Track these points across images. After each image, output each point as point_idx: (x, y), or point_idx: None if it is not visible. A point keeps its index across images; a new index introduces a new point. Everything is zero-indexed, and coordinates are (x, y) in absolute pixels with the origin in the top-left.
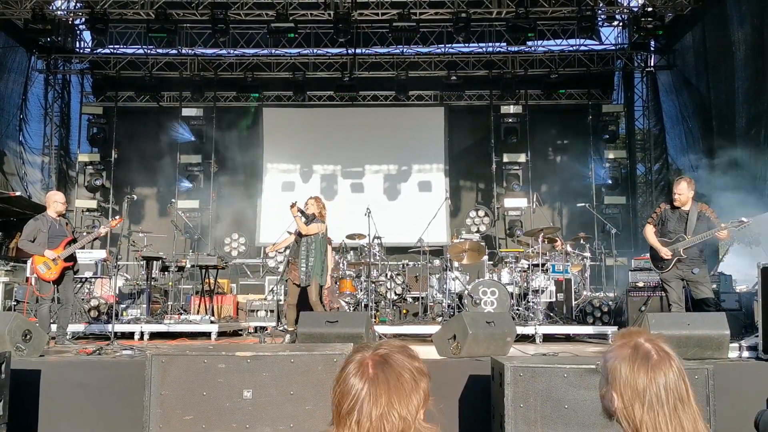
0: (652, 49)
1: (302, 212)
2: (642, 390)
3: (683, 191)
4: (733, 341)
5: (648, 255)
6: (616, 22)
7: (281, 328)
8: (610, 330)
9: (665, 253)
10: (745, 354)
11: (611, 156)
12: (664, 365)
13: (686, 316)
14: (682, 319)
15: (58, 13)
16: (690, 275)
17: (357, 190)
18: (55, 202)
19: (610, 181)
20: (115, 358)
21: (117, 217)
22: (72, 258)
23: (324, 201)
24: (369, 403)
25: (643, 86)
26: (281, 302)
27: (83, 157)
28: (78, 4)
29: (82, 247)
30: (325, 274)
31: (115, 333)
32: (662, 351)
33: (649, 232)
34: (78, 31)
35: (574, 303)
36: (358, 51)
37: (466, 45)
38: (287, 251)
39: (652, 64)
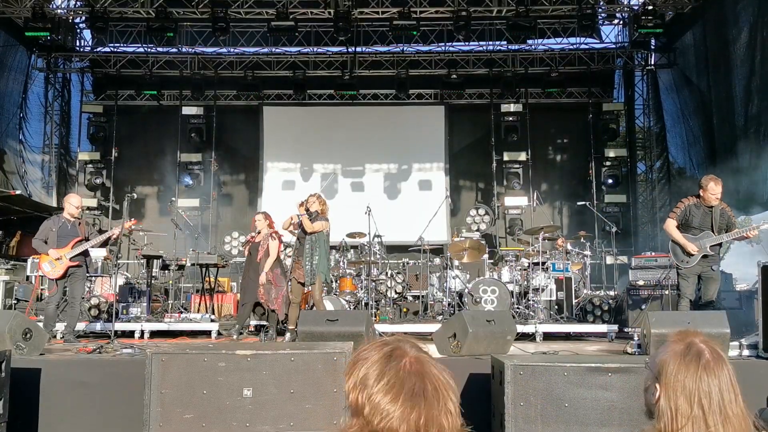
0: (652, 47)
1: (309, 213)
2: (690, 388)
3: (720, 192)
4: (733, 340)
5: (650, 253)
6: (616, 21)
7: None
8: (610, 328)
9: (693, 248)
10: (746, 352)
11: (612, 154)
12: (717, 367)
13: (686, 315)
14: (683, 317)
15: (59, 11)
16: (709, 272)
17: (357, 188)
18: (69, 204)
19: (610, 180)
20: (116, 357)
21: (132, 219)
22: (81, 257)
23: (325, 198)
24: (407, 423)
25: (644, 84)
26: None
27: (83, 156)
28: (78, 3)
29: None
30: (329, 272)
31: (116, 331)
32: (715, 353)
33: (672, 226)
34: (78, 30)
35: (574, 301)
36: (359, 49)
37: (467, 43)
38: (287, 249)
39: (652, 63)
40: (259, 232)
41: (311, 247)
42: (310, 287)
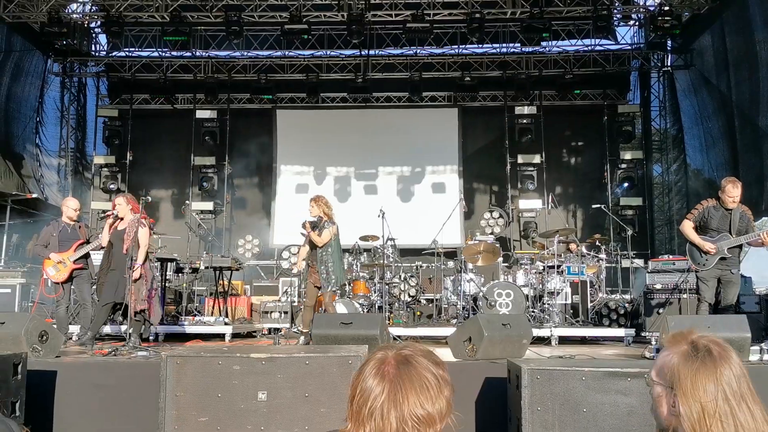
0: (669, 48)
1: (313, 225)
2: (713, 387)
3: (738, 195)
4: (753, 344)
5: (667, 256)
6: (632, 22)
7: (295, 330)
8: (627, 332)
9: (710, 248)
10: (767, 357)
11: (627, 157)
12: (728, 358)
13: (707, 319)
14: (703, 321)
15: (74, 16)
16: (729, 275)
17: (370, 191)
18: (66, 207)
19: (626, 182)
20: (131, 360)
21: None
22: (83, 260)
23: (322, 195)
24: (388, 403)
25: (660, 86)
26: (295, 304)
27: (99, 160)
28: (93, 8)
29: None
30: (343, 273)
31: (130, 334)
32: (719, 345)
33: (688, 227)
34: (93, 34)
35: (589, 305)
36: (372, 52)
37: (480, 46)
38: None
39: (669, 64)
40: (121, 219)
41: (323, 253)
42: (322, 293)
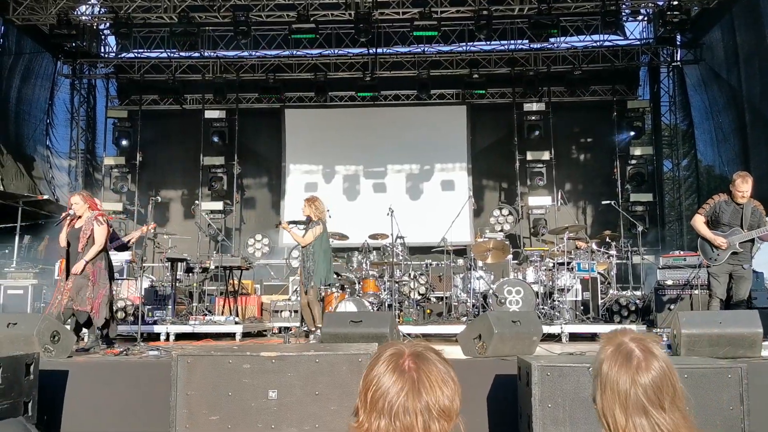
0: (678, 43)
1: (295, 223)
2: (623, 391)
3: (748, 189)
4: (766, 339)
5: (678, 252)
6: (641, 17)
7: (305, 329)
8: (638, 329)
9: (721, 242)
10: None
11: (637, 152)
12: (648, 365)
13: (718, 314)
14: (714, 317)
15: (83, 18)
16: (740, 270)
17: (379, 190)
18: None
19: (636, 178)
20: (142, 359)
21: (152, 222)
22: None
23: (317, 197)
24: (411, 394)
25: (670, 81)
26: None
27: (109, 161)
28: (102, 9)
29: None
30: (330, 273)
31: (141, 334)
32: (647, 350)
33: (700, 222)
34: (103, 36)
35: (600, 302)
36: (379, 51)
37: (488, 43)
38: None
39: (678, 59)
40: (79, 217)
41: (305, 253)
42: (306, 291)
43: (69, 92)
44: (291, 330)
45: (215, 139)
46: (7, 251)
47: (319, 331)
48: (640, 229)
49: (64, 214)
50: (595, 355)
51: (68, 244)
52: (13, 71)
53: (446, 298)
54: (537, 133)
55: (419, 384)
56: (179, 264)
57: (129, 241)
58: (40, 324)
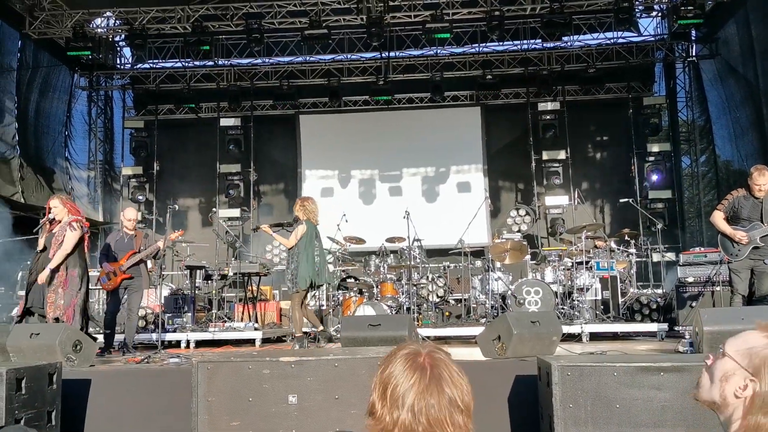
0: (693, 38)
1: (281, 225)
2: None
3: (765, 183)
4: None
5: (698, 249)
6: (654, 13)
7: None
8: (660, 327)
9: (741, 237)
10: None
11: (655, 149)
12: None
13: (740, 311)
14: (737, 313)
15: (98, 30)
16: (762, 265)
17: (395, 193)
18: (123, 217)
19: (654, 175)
20: (163, 366)
21: (179, 230)
22: (136, 269)
23: (310, 197)
24: (432, 388)
25: (686, 77)
26: (323, 308)
27: (127, 171)
28: (117, 22)
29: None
30: (323, 271)
31: (162, 342)
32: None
33: (719, 218)
34: (118, 48)
35: (620, 300)
36: (392, 54)
37: (501, 43)
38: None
39: (694, 54)
40: (59, 222)
41: (290, 255)
42: (291, 294)
43: (86, 104)
44: (309, 335)
45: (231, 146)
46: (28, 262)
47: (305, 339)
48: (660, 226)
49: (43, 219)
50: (753, 339)
51: (44, 248)
52: (31, 85)
53: (465, 300)
54: (552, 132)
55: (441, 380)
56: (198, 271)
57: (158, 252)
58: (62, 334)
